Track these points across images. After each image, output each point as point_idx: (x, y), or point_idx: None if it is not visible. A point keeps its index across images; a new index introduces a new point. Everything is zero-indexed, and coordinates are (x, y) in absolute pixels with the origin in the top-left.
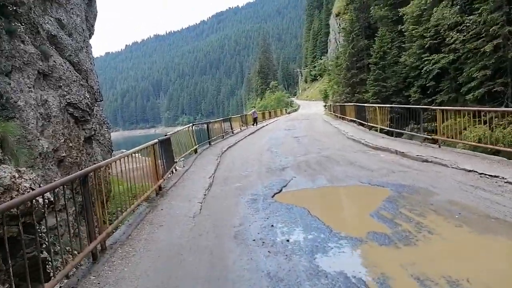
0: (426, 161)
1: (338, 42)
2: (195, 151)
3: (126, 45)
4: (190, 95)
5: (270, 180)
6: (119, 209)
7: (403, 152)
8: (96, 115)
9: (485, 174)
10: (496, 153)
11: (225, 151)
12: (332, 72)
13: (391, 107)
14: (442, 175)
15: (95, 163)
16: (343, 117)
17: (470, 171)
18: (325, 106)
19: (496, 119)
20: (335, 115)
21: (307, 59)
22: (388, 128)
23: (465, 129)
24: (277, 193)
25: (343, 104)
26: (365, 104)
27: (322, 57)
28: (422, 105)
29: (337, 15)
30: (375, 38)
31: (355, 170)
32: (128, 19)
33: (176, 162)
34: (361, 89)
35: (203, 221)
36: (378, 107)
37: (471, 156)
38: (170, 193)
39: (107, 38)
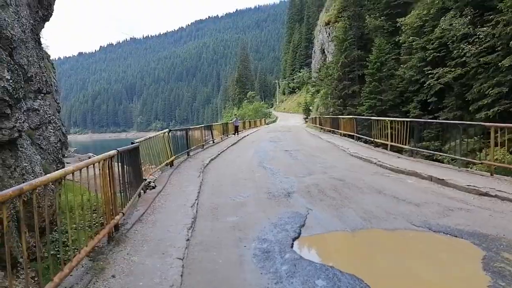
0: (487, 194)
1: (327, 52)
2: (171, 163)
3: (100, 46)
4: (165, 101)
5: (277, 212)
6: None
7: (442, 179)
8: (38, 110)
9: None
10: None
11: (207, 164)
12: (322, 82)
13: (412, 121)
14: None
15: (24, 179)
16: (333, 131)
17: None
18: (305, 118)
19: None
20: (320, 127)
21: (285, 71)
22: (409, 147)
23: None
24: (296, 238)
25: (335, 117)
26: (372, 117)
27: (301, 70)
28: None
29: (327, 24)
30: (371, 48)
31: (391, 202)
32: (104, 20)
33: (146, 181)
34: (353, 102)
35: None
36: (395, 121)
37: None
38: (132, 236)
39: (81, 38)
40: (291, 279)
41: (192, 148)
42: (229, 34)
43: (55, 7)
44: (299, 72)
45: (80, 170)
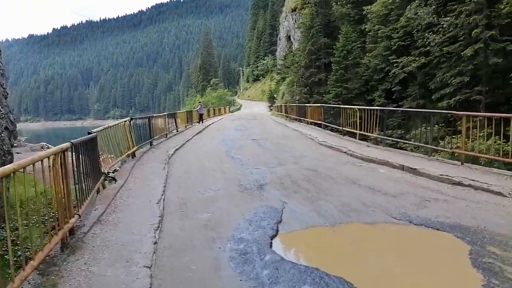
0: (461, 184)
1: (293, 39)
2: (133, 154)
3: (53, 28)
4: (124, 87)
5: (251, 207)
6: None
7: (414, 169)
8: None
9: None
10: None
11: (172, 154)
12: (288, 70)
13: (382, 109)
14: (509, 210)
15: None
16: (299, 119)
17: None
18: (270, 106)
19: None
20: (286, 116)
21: (249, 59)
22: (377, 136)
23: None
24: (274, 236)
25: (302, 105)
26: (341, 106)
27: (266, 57)
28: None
29: (293, 10)
30: (338, 36)
31: (367, 194)
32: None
33: (105, 174)
34: (319, 90)
35: None
36: (365, 109)
37: None
38: (91, 241)
39: (31, 20)
40: (274, 286)
41: (156, 137)
42: (191, 19)
43: None
44: (264, 59)
45: (24, 168)
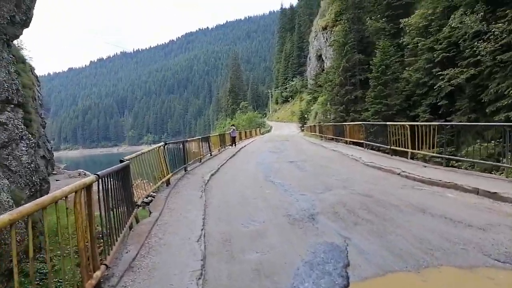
0: None
1: (325, 58)
2: (168, 182)
3: (90, 61)
4: (156, 113)
5: (307, 244)
6: None
7: (494, 193)
8: (6, 124)
9: None
10: None
11: (208, 181)
12: (321, 89)
13: (442, 125)
14: None
15: None
16: (336, 139)
17: None
18: (301, 127)
19: None
20: (320, 136)
21: (278, 81)
22: (438, 155)
23: None
24: (345, 286)
25: (339, 124)
26: (388, 123)
27: (294, 79)
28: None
29: (324, 29)
30: (372, 51)
31: (446, 226)
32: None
33: (138, 207)
34: (356, 107)
35: None
36: (418, 125)
37: None
38: None
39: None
40: None
41: (190, 162)
42: (219, 46)
43: (42, 18)
44: (292, 81)
45: (29, 216)
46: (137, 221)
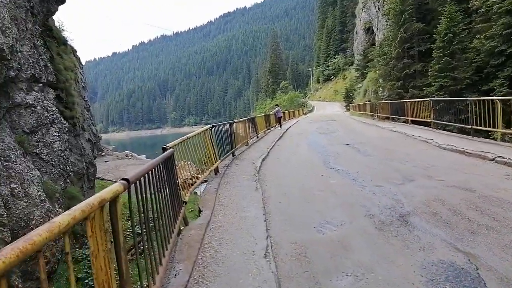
0: None
1: (377, 29)
2: (216, 170)
3: (133, 45)
4: (197, 95)
5: (415, 267)
6: None
7: None
8: (34, 106)
9: None
10: None
11: (260, 167)
12: (372, 64)
13: None
14: None
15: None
16: (393, 118)
17: None
18: (347, 106)
19: None
20: (371, 115)
21: (319, 59)
22: None
23: None
24: None
25: (398, 101)
26: (469, 98)
27: (336, 56)
28: None
29: None
30: (433, 19)
31: None
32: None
33: (185, 203)
34: (415, 83)
35: None
36: None
37: None
38: None
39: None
40: None
41: (238, 146)
42: (257, 25)
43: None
44: (334, 58)
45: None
46: (186, 223)
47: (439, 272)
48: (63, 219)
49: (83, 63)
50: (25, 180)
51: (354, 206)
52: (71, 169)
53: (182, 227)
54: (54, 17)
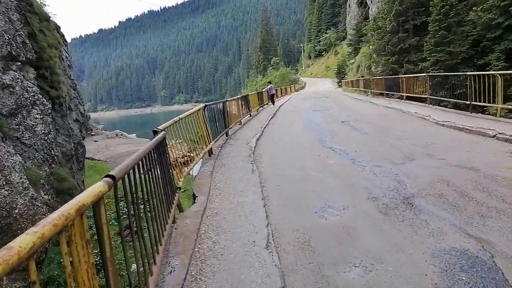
0: None
1: (371, 2)
2: (210, 151)
3: (119, 21)
4: (187, 73)
5: (427, 255)
6: None
7: None
8: (13, 87)
9: None
10: None
11: (255, 147)
12: (366, 39)
13: None
14: None
15: None
16: (387, 94)
17: None
18: (339, 82)
19: None
20: (365, 91)
21: (310, 34)
22: None
23: None
24: None
25: (393, 77)
26: (468, 73)
27: (328, 31)
28: None
29: None
30: None
31: None
32: None
33: (179, 189)
34: (409, 58)
35: None
36: None
37: None
38: None
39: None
40: None
41: (231, 126)
42: None
43: None
44: (326, 33)
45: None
46: (180, 210)
47: (453, 261)
48: (24, 241)
49: (69, 40)
50: (6, 166)
51: (355, 188)
52: (59, 151)
53: (176, 215)
54: None
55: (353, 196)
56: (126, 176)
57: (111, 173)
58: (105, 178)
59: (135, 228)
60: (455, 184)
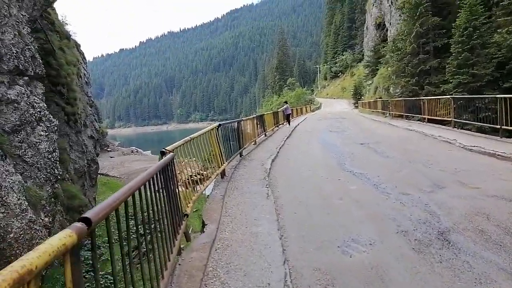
0: None
1: (389, 24)
2: (223, 173)
3: (140, 41)
4: (203, 92)
5: None
6: None
7: None
8: (18, 102)
9: None
10: None
11: (270, 169)
12: (385, 60)
13: None
14: None
15: None
16: (407, 116)
17: None
18: (355, 103)
19: None
20: (383, 113)
21: (327, 55)
22: None
23: None
24: None
25: (413, 99)
26: (502, 95)
27: (344, 53)
28: None
29: None
30: (450, 13)
31: None
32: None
33: (187, 216)
34: (430, 79)
35: None
36: None
37: None
38: None
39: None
40: None
41: (245, 146)
42: (264, 22)
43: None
44: (342, 55)
45: None
46: (187, 239)
47: None
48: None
49: (91, 59)
50: (3, 187)
51: (381, 219)
52: (72, 167)
53: (182, 245)
54: (58, 11)
55: (379, 229)
56: (114, 212)
57: (85, 215)
58: (75, 224)
59: (129, 274)
60: (497, 218)
